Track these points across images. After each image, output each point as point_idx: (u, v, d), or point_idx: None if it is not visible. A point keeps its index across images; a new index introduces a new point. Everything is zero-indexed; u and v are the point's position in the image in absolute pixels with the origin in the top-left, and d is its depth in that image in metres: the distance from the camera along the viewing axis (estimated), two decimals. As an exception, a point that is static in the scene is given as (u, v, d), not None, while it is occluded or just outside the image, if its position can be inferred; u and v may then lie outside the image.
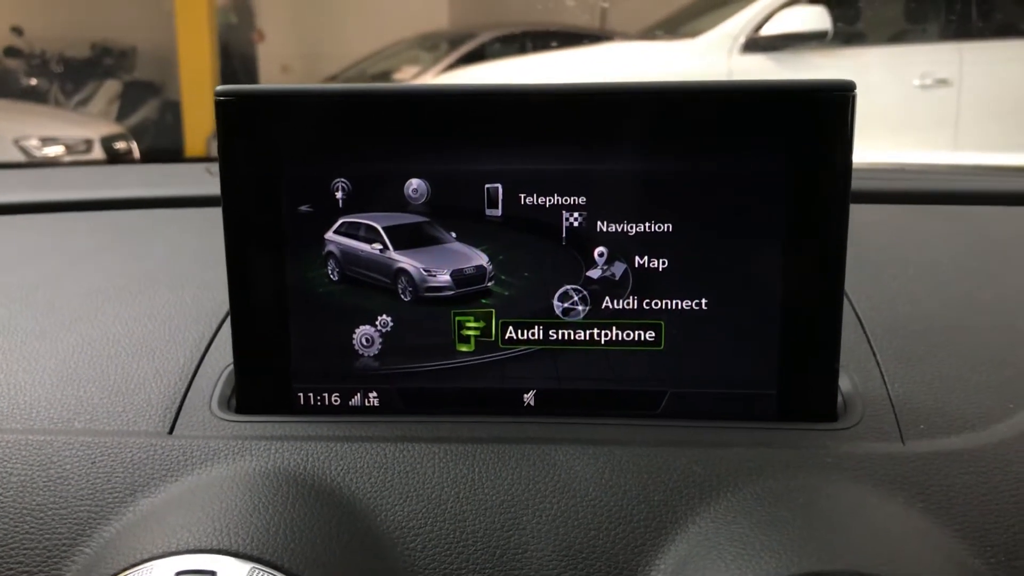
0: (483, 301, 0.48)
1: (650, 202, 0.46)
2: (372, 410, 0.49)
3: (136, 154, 3.90)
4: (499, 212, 0.47)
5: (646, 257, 0.47)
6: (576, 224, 0.47)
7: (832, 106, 0.45)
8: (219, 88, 0.46)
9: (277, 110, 0.46)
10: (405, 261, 0.48)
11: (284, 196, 0.47)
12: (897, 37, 4.25)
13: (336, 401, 0.49)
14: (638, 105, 0.46)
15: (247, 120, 0.46)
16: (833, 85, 0.45)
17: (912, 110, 3.74)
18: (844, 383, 0.49)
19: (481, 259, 0.48)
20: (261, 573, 0.39)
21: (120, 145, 3.82)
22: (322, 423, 0.48)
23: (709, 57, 3.80)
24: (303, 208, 0.47)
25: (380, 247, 0.48)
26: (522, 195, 0.47)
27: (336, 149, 0.47)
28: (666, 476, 0.44)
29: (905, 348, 0.52)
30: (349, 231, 0.48)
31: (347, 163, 0.47)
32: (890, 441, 0.46)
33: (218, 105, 0.46)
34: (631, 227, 0.47)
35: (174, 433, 0.48)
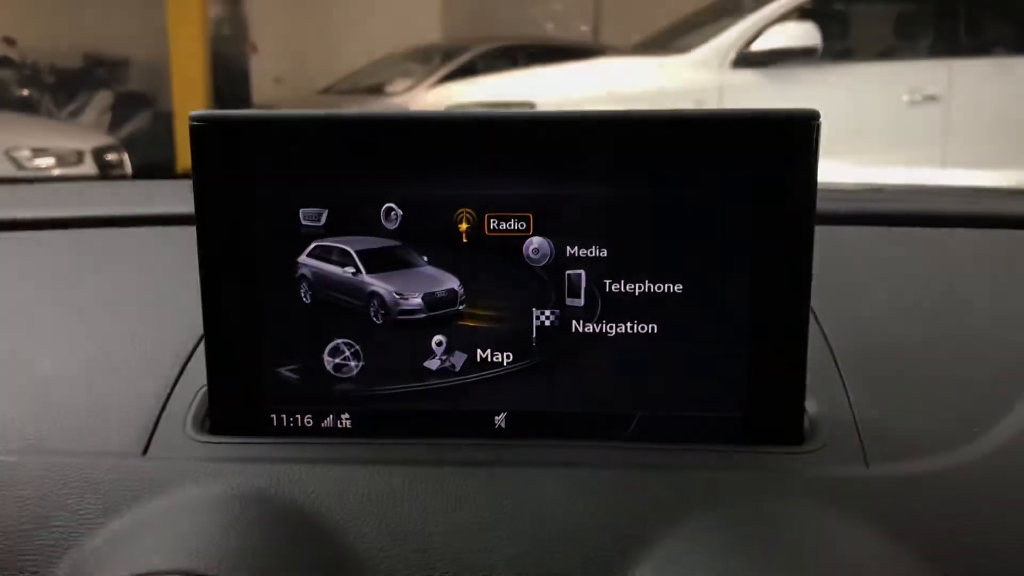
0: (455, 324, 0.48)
1: (618, 227, 0.47)
2: (344, 432, 0.49)
3: (127, 166, 3.90)
4: (470, 237, 0.48)
5: (613, 281, 0.47)
6: (546, 249, 0.47)
7: (797, 135, 0.45)
8: (194, 113, 0.47)
9: (252, 135, 0.47)
10: (377, 284, 0.48)
11: (258, 220, 0.48)
12: (886, 53, 4.28)
13: (309, 423, 0.49)
14: (606, 132, 0.46)
15: (222, 145, 0.47)
16: (798, 115, 0.45)
17: (901, 126, 3.77)
18: (811, 405, 0.50)
19: (452, 282, 0.48)
20: None
21: (111, 157, 3.82)
22: (294, 444, 0.48)
23: (700, 72, 3.83)
24: (277, 232, 0.48)
25: (353, 270, 0.48)
26: (493, 220, 0.47)
27: (310, 174, 0.47)
28: (634, 499, 0.45)
29: (872, 371, 0.53)
30: (322, 255, 0.48)
31: (320, 188, 0.47)
32: (854, 464, 0.47)
33: (193, 130, 0.47)
34: (600, 251, 0.47)
35: (147, 454, 0.48)
